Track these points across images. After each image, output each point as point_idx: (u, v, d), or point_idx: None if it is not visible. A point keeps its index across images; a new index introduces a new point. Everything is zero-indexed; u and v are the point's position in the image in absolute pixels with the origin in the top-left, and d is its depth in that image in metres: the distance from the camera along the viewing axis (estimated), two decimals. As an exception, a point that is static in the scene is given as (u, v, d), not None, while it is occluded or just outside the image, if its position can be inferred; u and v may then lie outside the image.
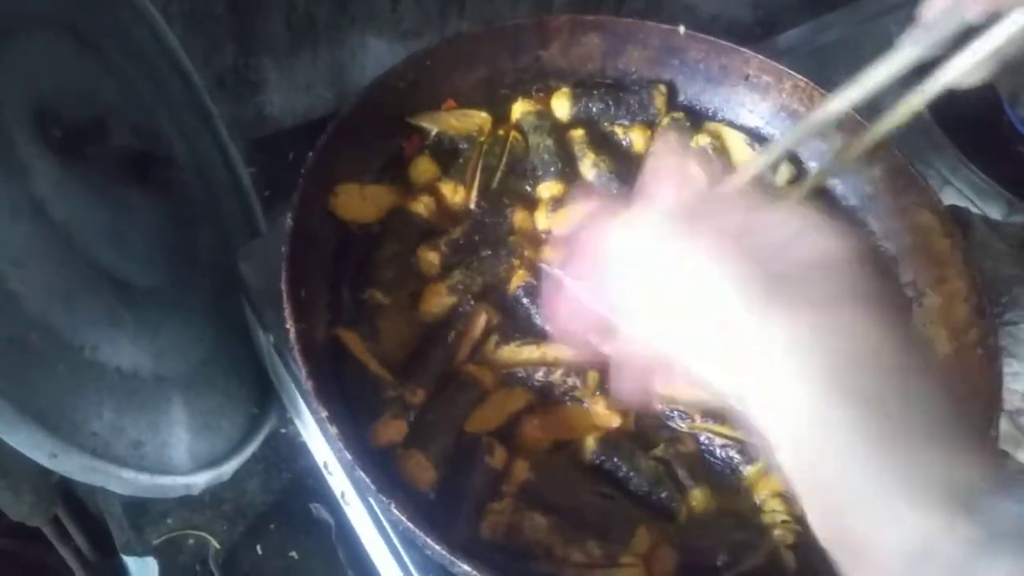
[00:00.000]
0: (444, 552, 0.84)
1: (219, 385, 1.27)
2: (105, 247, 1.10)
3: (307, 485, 1.40)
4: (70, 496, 1.49)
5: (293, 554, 1.36)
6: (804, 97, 1.28)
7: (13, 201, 0.98)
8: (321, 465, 1.19)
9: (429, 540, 0.85)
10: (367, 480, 0.87)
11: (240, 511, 1.39)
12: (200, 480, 1.14)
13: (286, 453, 1.42)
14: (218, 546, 1.35)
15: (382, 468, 0.96)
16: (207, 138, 1.52)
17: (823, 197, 1.29)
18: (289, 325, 0.94)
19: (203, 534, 1.36)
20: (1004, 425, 1.28)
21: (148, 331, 1.13)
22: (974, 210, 1.50)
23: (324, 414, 0.90)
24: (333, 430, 0.89)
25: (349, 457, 0.88)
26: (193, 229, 1.34)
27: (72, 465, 0.94)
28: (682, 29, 1.27)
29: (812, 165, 1.31)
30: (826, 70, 1.27)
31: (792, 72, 1.27)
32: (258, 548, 1.36)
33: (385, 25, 1.97)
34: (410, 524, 0.85)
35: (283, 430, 1.39)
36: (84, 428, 0.99)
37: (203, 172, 1.45)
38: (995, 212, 1.52)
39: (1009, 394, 1.24)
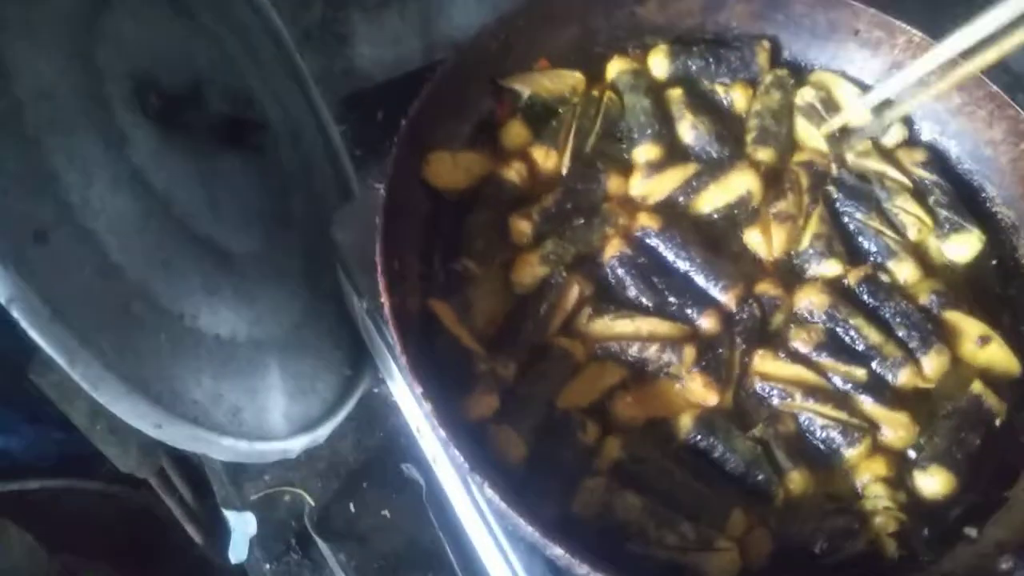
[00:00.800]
0: (538, 534, 0.83)
1: (313, 348, 1.28)
2: (203, 215, 1.11)
3: (399, 444, 1.41)
4: (176, 449, 1.54)
5: (385, 512, 1.38)
6: (919, 52, 1.20)
7: (114, 172, 0.99)
8: (413, 428, 1.20)
9: (523, 521, 0.84)
10: (461, 459, 0.86)
11: (334, 469, 1.42)
12: (296, 445, 1.16)
13: (379, 412, 1.43)
14: (313, 503, 1.38)
15: (474, 442, 0.96)
16: (300, 100, 1.51)
17: (937, 160, 1.21)
18: (384, 299, 0.94)
19: (299, 491, 1.39)
20: None
21: (245, 297, 1.14)
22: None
23: (419, 391, 0.89)
24: (428, 406, 0.89)
25: (443, 434, 0.87)
26: (287, 193, 1.34)
27: (176, 434, 0.96)
28: (785, -18, 1.20)
29: (925, 124, 1.24)
30: (940, 19, 1.19)
31: (906, 26, 1.19)
32: (351, 506, 1.38)
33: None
34: (503, 504, 0.85)
35: (375, 390, 1.40)
36: (186, 397, 1.01)
37: (296, 135, 1.45)
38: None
39: None
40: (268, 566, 1.35)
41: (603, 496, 0.94)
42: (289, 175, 1.38)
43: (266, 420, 1.14)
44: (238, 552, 1.38)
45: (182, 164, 1.11)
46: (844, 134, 1.21)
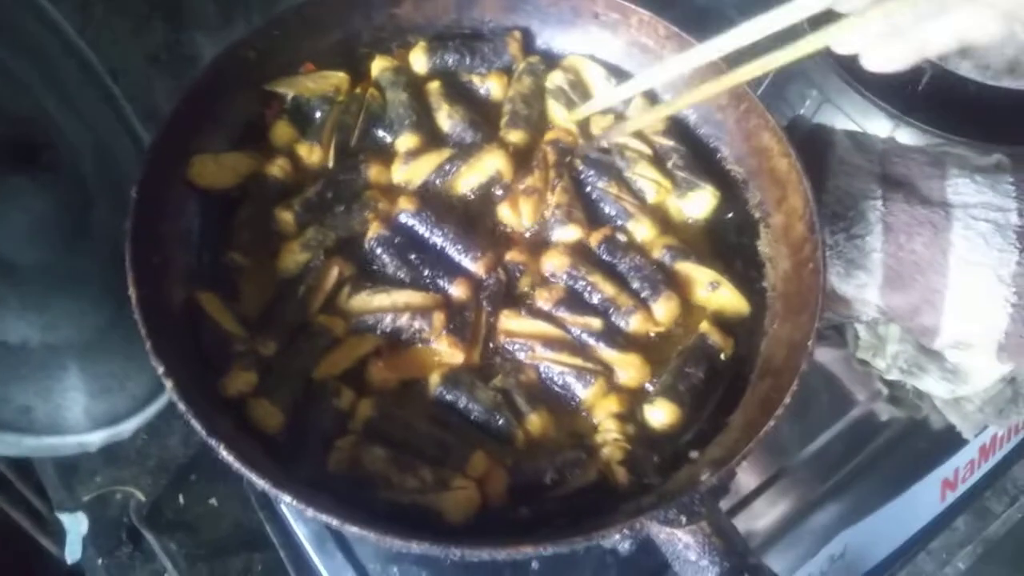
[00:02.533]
0: (268, 487, 0.92)
1: (120, 349, 1.34)
2: (-16, 231, 1.18)
3: (224, 437, 1.49)
4: (17, 459, 1.59)
5: (212, 501, 1.46)
6: (651, 31, 1.31)
7: None
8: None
9: (254, 477, 0.93)
10: (198, 426, 0.95)
11: (163, 465, 1.49)
12: (95, 439, 1.22)
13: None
14: (143, 498, 1.45)
15: (235, 418, 1.04)
16: (109, 117, 1.58)
17: (677, 127, 1.33)
18: (132, 292, 1.02)
19: (129, 489, 1.46)
20: (863, 334, 1.33)
21: (34, 306, 1.21)
22: (849, 126, 1.54)
23: (161, 369, 0.97)
24: (168, 383, 0.97)
25: (182, 407, 0.96)
26: (88, 206, 1.41)
27: (-48, 434, 1.03)
28: (530, -24, 1.31)
29: (667, 97, 1.35)
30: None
31: (636, 7, 1.30)
32: (180, 498, 1.46)
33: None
34: (238, 464, 0.93)
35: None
36: (-37, 400, 1.08)
37: (103, 151, 1.51)
38: (880, 130, 1.55)
39: (862, 305, 1.30)
40: (100, 561, 1.42)
41: (353, 452, 1.03)
42: (92, 188, 1.45)
43: (63, 416, 1.20)
44: (72, 552, 1.44)
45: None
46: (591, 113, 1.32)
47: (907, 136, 1.54)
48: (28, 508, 1.64)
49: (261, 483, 0.92)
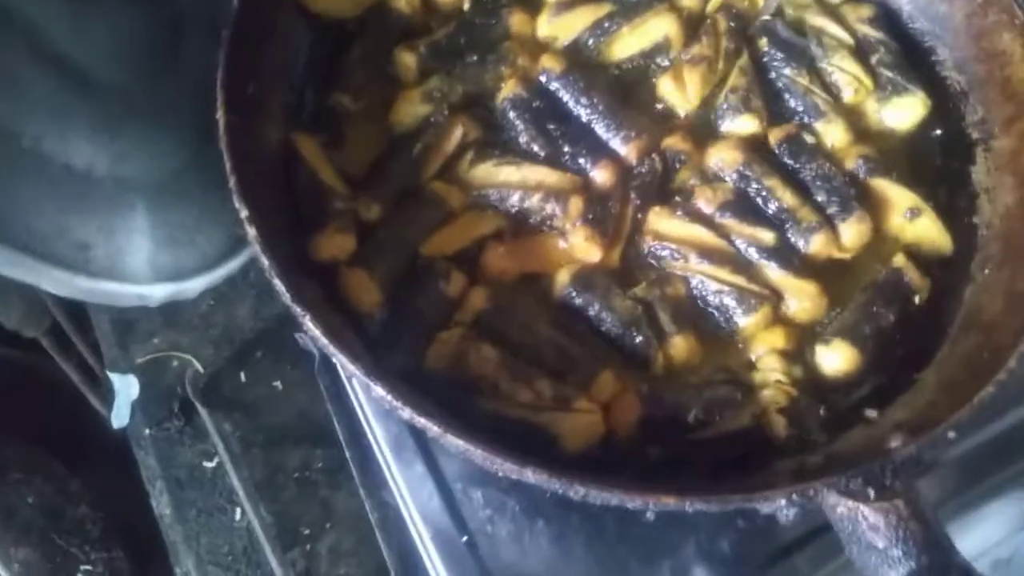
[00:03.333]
0: (359, 373, 0.74)
1: (196, 198, 1.18)
2: (59, 32, 1.00)
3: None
4: (74, 309, 1.46)
5: (277, 384, 1.30)
6: None
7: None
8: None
9: (345, 360, 0.75)
10: (281, 287, 0.77)
11: (227, 336, 1.33)
12: (157, 292, 1.06)
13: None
14: (202, 370, 1.30)
15: (324, 288, 0.86)
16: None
17: (886, 17, 1.08)
18: (220, 115, 0.84)
19: (188, 356, 1.31)
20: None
21: (106, 128, 1.04)
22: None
23: (244, 212, 0.79)
24: (251, 230, 0.79)
25: (264, 262, 0.78)
26: (179, 31, 1.22)
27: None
28: None
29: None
30: None
31: None
32: (242, 375, 1.30)
33: None
34: (325, 341, 0.75)
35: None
36: (16, 222, 0.92)
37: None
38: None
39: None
40: (148, 431, 1.27)
41: (458, 347, 0.84)
42: (186, 15, 1.26)
43: (122, 261, 1.04)
44: (120, 416, 1.30)
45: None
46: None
47: None
48: (80, 361, 1.51)
49: (352, 368, 0.74)
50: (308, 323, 0.75)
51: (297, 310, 0.76)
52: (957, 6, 1.04)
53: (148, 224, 1.08)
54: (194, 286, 1.13)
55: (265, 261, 0.78)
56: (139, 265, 1.07)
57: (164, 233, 1.11)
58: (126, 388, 1.30)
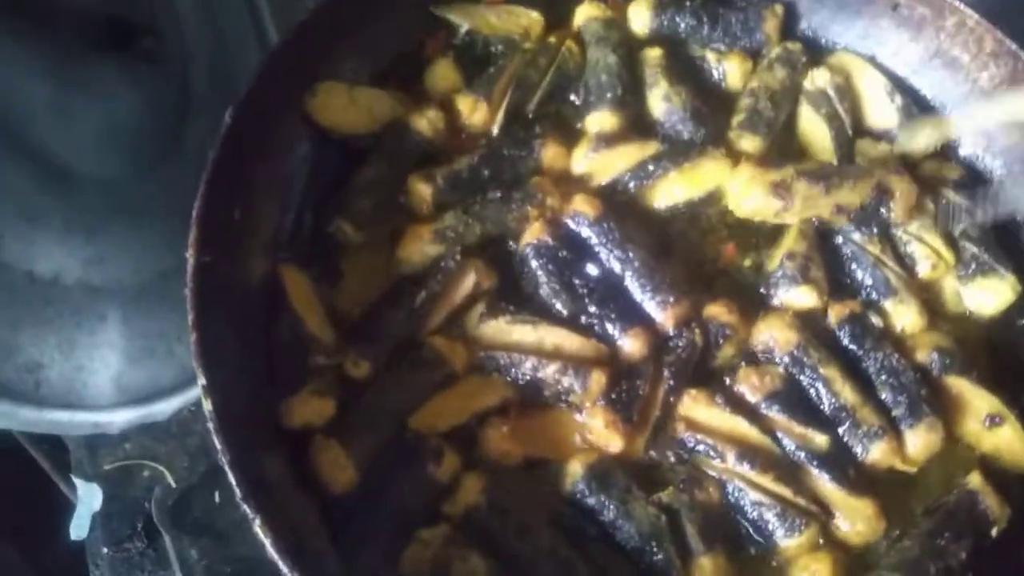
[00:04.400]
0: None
1: (181, 305, 1.06)
2: (42, 117, 0.90)
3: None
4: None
5: (252, 509, 1.16)
6: (971, 41, 0.93)
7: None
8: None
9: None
10: (233, 478, 0.64)
11: (205, 448, 1.20)
12: (118, 419, 0.95)
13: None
14: (173, 484, 1.17)
15: (292, 457, 0.74)
16: (243, 17, 1.28)
17: (974, 182, 0.95)
18: (190, 254, 0.72)
19: (160, 468, 1.18)
20: None
21: (83, 230, 0.93)
22: None
23: (202, 382, 0.67)
24: (207, 405, 0.66)
25: (219, 444, 0.65)
26: (184, 118, 1.12)
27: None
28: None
29: (965, 136, 0.97)
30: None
31: (959, 4, 0.92)
32: (216, 495, 1.17)
33: None
34: (276, 554, 0.62)
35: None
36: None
37: (221, 52, 1.22)
38: None
39: None
40: (106, 550, 1.14)
41: (441, 553, 0.70)
42: (197, 99, 1.16)
43: (81, 383, 0.93)
44: (79, 528, 1.18)
45: (26, 55, 0.89)
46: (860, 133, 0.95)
47: None
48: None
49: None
50: (258, 528, 0.62)
51: (248, 511, 0.63)
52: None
53: (121, 336, 0.97)
54: (165, 408, 1.02)
55: (219, 444, 0.65)
56: (101, 386, 0.95)
57: (139, 345, 1.00)
58: (89, 498, 1.18)
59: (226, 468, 0.64)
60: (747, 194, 0.87)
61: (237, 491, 0.64)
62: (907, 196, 0.87)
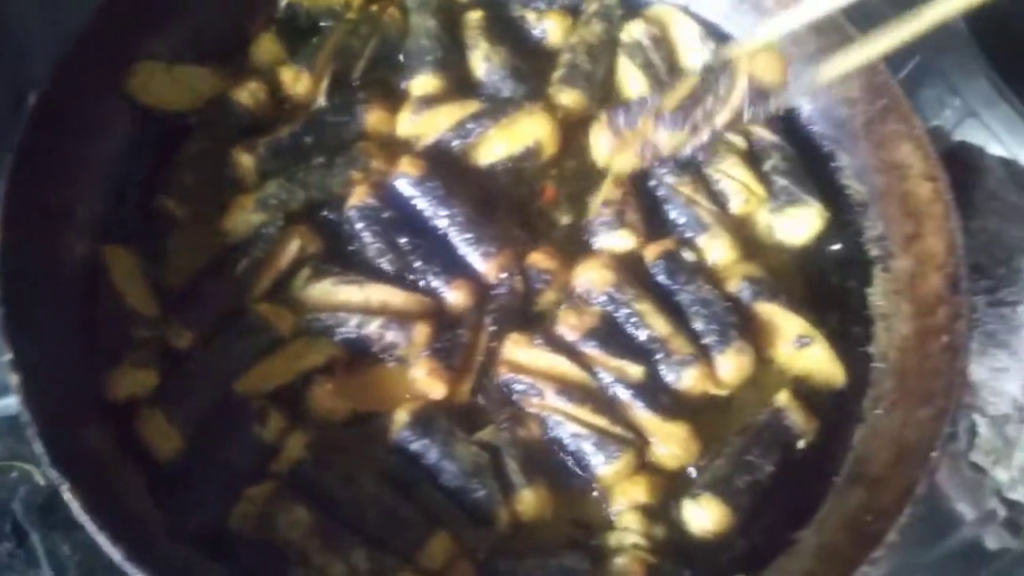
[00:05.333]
0: (117, 558, 0.63)
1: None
2: None
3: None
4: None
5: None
6: (781, -6, 0.98)
7: None
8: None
9: (104, 540, 0.64)
10: (40, 447, 0.66)
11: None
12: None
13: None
14: (41, 483, 1.17)
15: (119, 431, 0.76)
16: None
17: (783, 118, 0.99)
18: (-3, 235, 0.73)
19: (28, 467, 1.18)
20: (984, 431, 1.00)
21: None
22: (998, 151, 1.18)
23: (8, 357, 0.68)
24: (15, 378, 0.67)
25: (25, 415, 0.67)
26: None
27: None
28: None
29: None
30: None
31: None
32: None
33: None
34: (85, 516, 0.64)
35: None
36: None
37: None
38: (1030, 156, 1.20)
39: (995, 396, 0.97)
40: (-27, 551, 1.14)
41: (267, 507, 0.73)
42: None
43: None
44: (-54, 531, 1.17)
45: None
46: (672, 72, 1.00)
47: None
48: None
49: (111, 551, 0.63)
50: (66, 494, 0.64)
51: (55, 476, 0.65)
52: (858, 110, 0.96)
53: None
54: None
55: (26, 414, 0.66)
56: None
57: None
58: (-47, 499, 1.17)
59: (34, 439, 0.66)
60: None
61: (45, 459, 0.65)
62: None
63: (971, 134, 1.22)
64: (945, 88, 1.26)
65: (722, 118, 0.85)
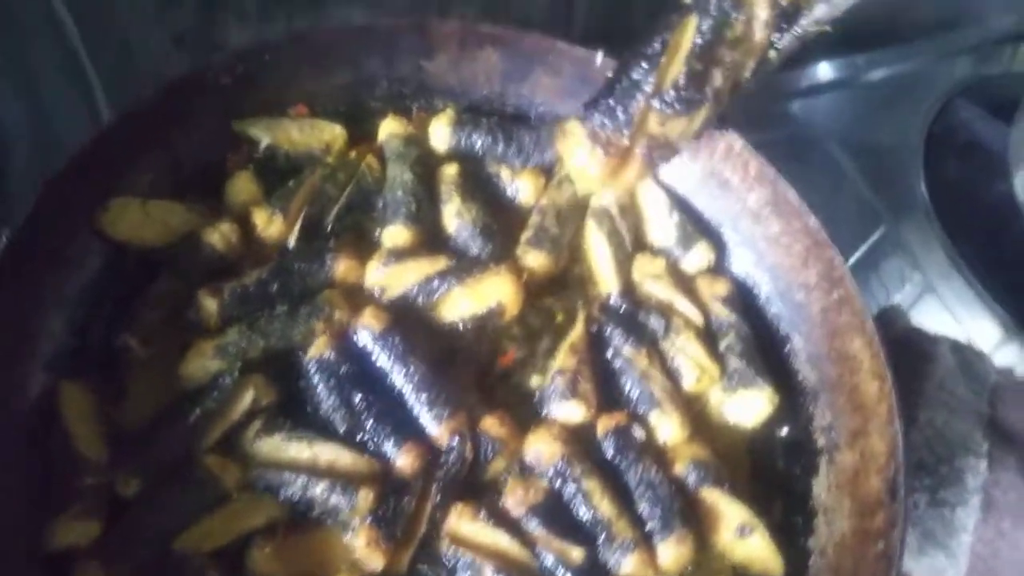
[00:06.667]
0: None
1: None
2: None
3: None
4: None
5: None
6: (739, 164, 1.01)
7: None
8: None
9: None
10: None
11: None
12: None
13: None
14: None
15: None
16: (68, 96, 1.30)
17: (743, 296, 1.02)
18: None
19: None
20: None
21: None
22: (954, 331, 1.22)
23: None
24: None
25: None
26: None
27: None
28: (599, 57, 1.01)
29: (739, 251, 1.05)
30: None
31: (729, 130, 1.00)
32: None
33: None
34: None
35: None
36: None
37: (46, 136, 1.24)
38: (985, 338, 1.24)
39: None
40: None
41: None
42: (13, 179, 1.17)
43: None
44: None
45: None
46: (641, 248, 1.02)
47: (1017, 358, 1.22)
48: None
49: None
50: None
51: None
52: (814, 297, 0.99)
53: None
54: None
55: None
56: None
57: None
58: None
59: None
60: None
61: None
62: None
63: (929, 311, 1.26)
64: (907, 261, 1.30)
65: (748, 66, 0.68)
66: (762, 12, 0.66)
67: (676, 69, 0.68)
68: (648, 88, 0.67)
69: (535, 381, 0.94)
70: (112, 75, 1.36)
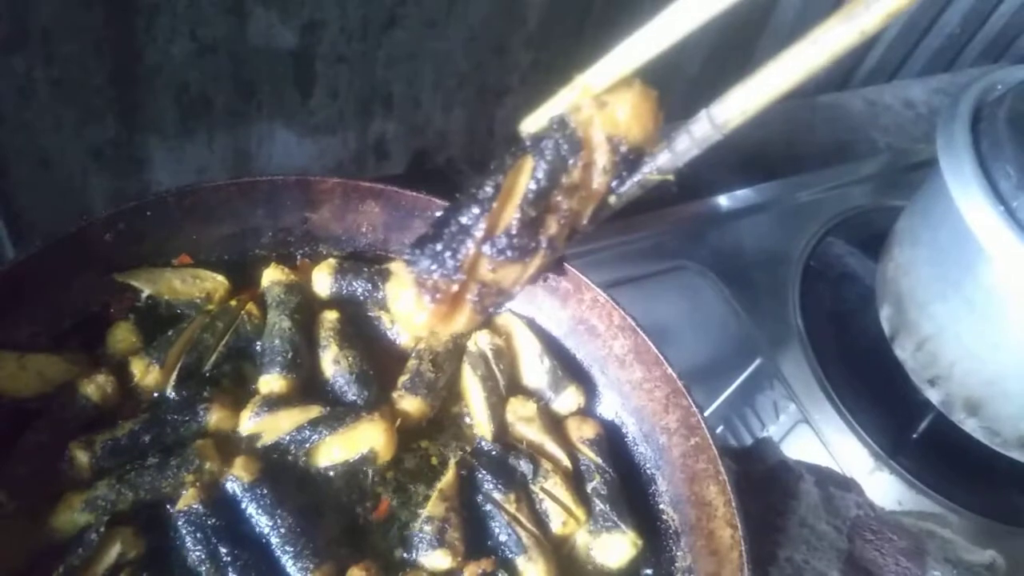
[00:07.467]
0: None
1: None
2: None
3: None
4: None
5: None
6: (604, 314, 1.07)
7: None
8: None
9: None
10: None
11: None
12: None
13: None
14: None
15: None
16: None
17: (611, 438, 1.06)
18: None
19: None
20: None
21: None
22: (826, 460, 1.28)
23: None
24: None
25: None
26: None
27: None
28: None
29: (608, 394, 1.09)
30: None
31: (592, 285, 1.06)
32: None
33: (295, 117, 1.80)
34: None
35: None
36: None
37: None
38: (857, 467, 1.30)
39: None
40: None
41: None
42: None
43: None
44: None
45: None
46: (514, 391, 1.07)
47: (888, 485, 1.28)
48: None
49: None
50: None
51: None
52: (675, 441, 1.04)
53: None
54: None
55: None
56: None
57: None
58: None
59: None
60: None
61: None
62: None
63: (801, 440, 1.32)
64: (782, 392, 1.37)
65: (586, 213, 0.65)
66: (601, 158, 0.62)
67: (509, 215, 0.64)
68: (478, 234, 0.64)
69: (407, 528, 0.96)
70: (29, 188, 1.39)
